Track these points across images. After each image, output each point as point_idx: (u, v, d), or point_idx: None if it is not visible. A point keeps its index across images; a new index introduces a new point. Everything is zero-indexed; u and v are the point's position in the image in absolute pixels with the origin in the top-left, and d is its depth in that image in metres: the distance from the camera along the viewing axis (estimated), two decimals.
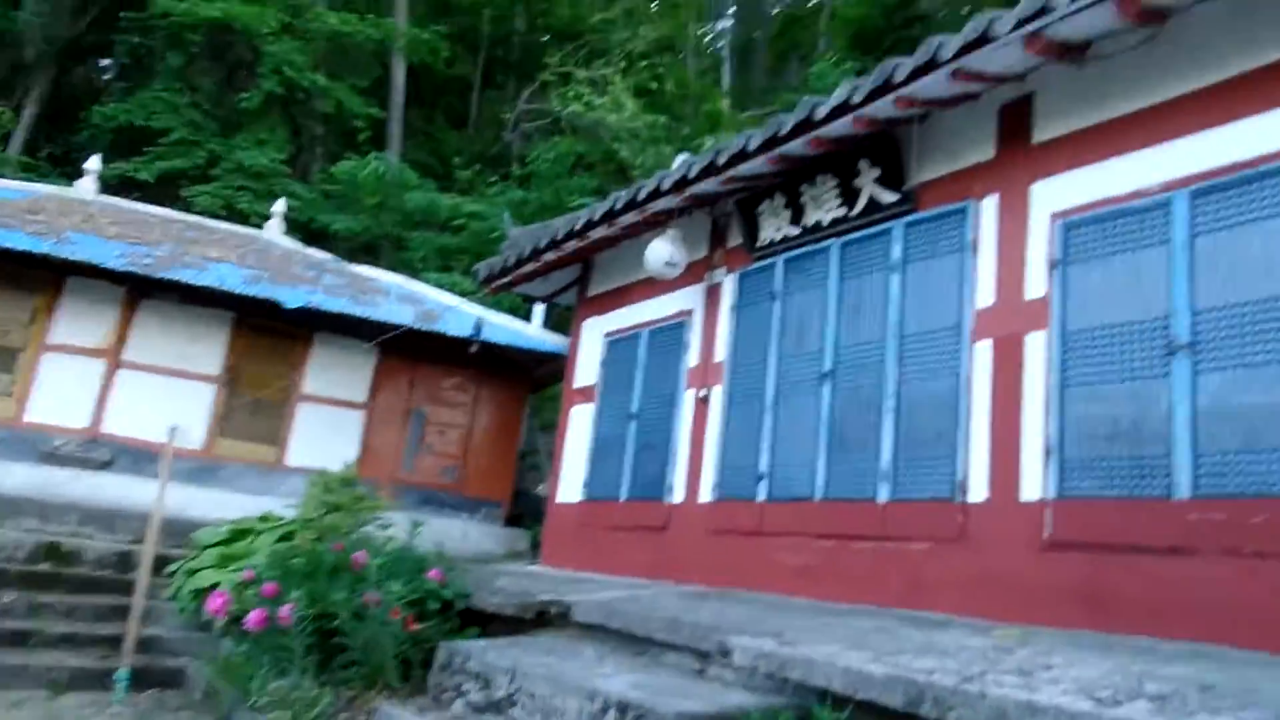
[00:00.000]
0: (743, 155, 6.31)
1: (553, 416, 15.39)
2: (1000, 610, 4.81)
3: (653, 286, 8.35)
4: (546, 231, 9.21)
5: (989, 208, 5.57)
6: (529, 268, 9.03)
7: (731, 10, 38.40)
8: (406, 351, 11.23)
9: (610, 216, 7.63)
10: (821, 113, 5.68)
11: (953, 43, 4.93)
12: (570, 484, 8.80)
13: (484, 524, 11.30)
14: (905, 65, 5.18)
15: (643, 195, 7.21)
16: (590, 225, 7.86)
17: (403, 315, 10.46)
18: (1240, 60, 4.50)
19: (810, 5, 37.98)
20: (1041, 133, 5.38)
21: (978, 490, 5.16)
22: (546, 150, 16.35)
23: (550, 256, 8.65)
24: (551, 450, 11.86)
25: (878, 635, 4.32)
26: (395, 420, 11.47)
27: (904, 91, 5.30)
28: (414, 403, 11.58)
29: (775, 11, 39.34)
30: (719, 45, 37.38)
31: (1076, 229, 5.03)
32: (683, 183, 6.84)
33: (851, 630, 4.45)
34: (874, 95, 5.39)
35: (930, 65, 5.05)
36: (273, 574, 5.79)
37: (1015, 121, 5.54)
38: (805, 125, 5.83)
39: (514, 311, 13.22)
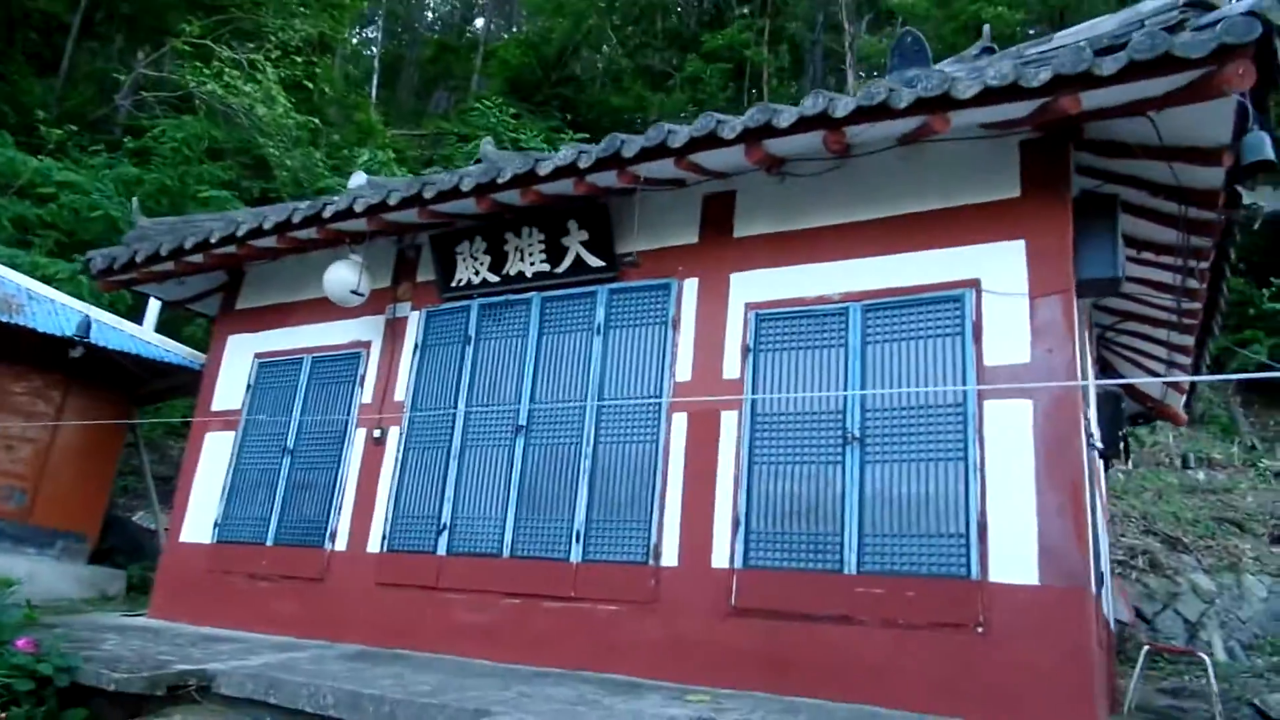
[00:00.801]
0: (455, 193, 6.05)
1: (165, 434, 13.32)
2: (689, 673, 5.11)
3: (321, 311, 7.61)
4: (191, 229, 7.97)
5: (690, 289, 5.98)
6: (163, 267, 7.70)
7: (379, 20, 37.22)
8: None
9: (285, 228, 6.82)
10: (545, 169, 5.67)
11: (683, 133, 5.24)
12: (199, 521, 7.61)
13: (61, 562, 9.30)
14: (635, 143, 5.39)
15: (329, 212, 6.57)
16: (258, 233, 6.94)
17: None
18: (905, 203, 5.40)
19: (465, 38, 38.18)
20: (742, 228, 5.93)
21: (670, 555, 5.46)
22: (174, 128, 14.15)
23: (196, 259, 7.46)
24: (159, 474, 10.22)
25: (585, 709, 4.33)
26: None
27: (632, 168, 5.51)
28: None
29: (430, 35, 38.90)
30: (368, 53, 35.93)
31: (769, 321, 5.62)
32: (381, 207, 6.36)
33: (556, 705, 4.40)
34: (601, 164, 5.52)
35: (661, 150, 5.32)
36: None
37: (718, 213, 6.04)
38: (527, 178, 5.78)
39: (115, 309, 11.20)
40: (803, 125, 4.88)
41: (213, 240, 7.13)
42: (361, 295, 6.81)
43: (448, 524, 6.33)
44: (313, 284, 7.73)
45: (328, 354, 7.48)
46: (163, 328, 10.14)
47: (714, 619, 5.20)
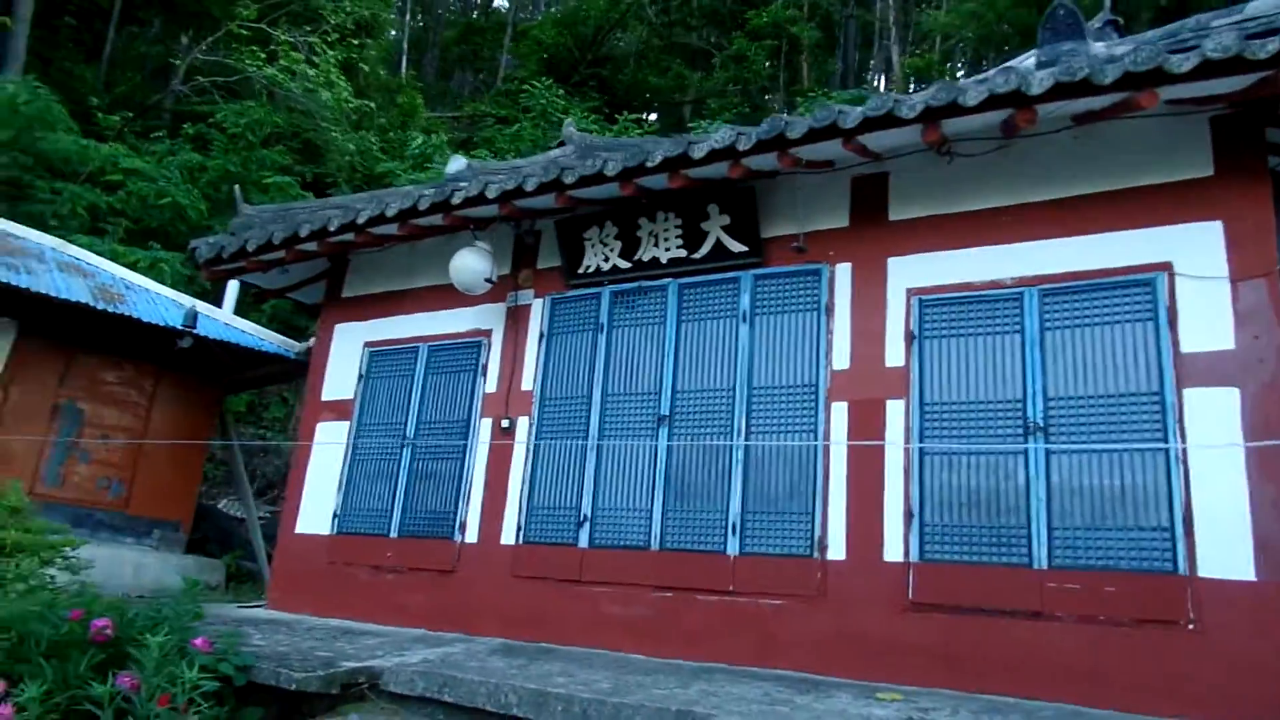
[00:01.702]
0: (599, 178, 5.88)
1: (251, 419, 13.29)
2: (863, 669, 4.99)
3: (435, 299, 7.51)
4: (294, 216, 7.86)
5: (843, 274, 5.80)
6: (273, 255, 7.58)
7: (405, 2, 37.02)
8: (60, 332, 8.85)
9: (411, 214, 6.68)
10: (700, 152, 5.49)
11: (855, 113, 5.05)
12: (315, 512, 7.53)
13: (160, 551, 9.27)
14: (801, 124, 5.20)
15: (458, 198, 6.41)
16: (380, 220, 6.80)
17: (73, 289, 8.21)
18: (1081, 184, 5.19)
19: (489, 18, 37.82)
20: (898, 211, 5.74)
21: (836, 549, 5.32)
22: (236, 113, 14.00)
23: (310, 247, 7.35)
24: (247, 462, 10.17)
25: (784, 708, 4.20)
26: (35, 418, 8.96)
27: (794, 150, 5.33)
28: (65, 396, 9.15)
29: (450, 16, 38.56)
30: (393, 34, 35.73)
31: (933, 307, 5.44)
32: (516, 193, 6.20)
33: (752, 705, 4.27)
34: (762, 146, 5.34)
35: (830, 130, 5.12)
36: None
37: (870, 195, 5.84)
38: (679, 161, 5.60)
39: (201, 295, 11.12)
40: (992, 103, 4.68)
41: (332, 228, 7.00)
42: (490, 281, 6.68)
43: (588, 516, 6.21)
44: (424, 271, 7.65)
45: (445, 343, 7.35)
46: (257, 315, 10.03)
47: (889, 613, 5.06)
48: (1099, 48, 5.73)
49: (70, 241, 10.41)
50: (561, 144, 10.30)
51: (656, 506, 5.97)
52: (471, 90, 35.04)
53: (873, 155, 5.54)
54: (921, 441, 5.24)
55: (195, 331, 8.04)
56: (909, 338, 5.46)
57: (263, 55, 14.87)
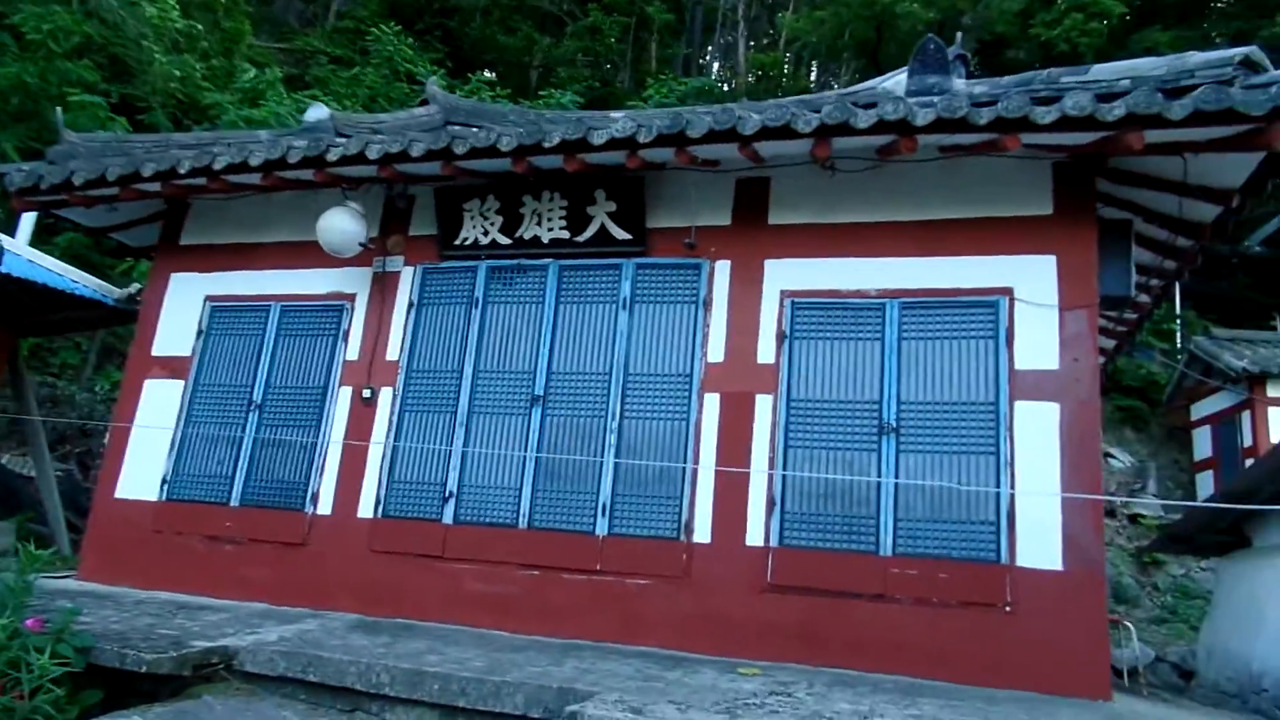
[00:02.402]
0: (492, 151, 5.79)
1: (35, 364, 11.90)
2: (724, 646, 5.31)
3: (291, 255, 7.11)
4: (135, 151, 7.15)
5: (722, 270, 6.06)
6: (103, 191, 6.85)
7: None
8: None
9: (278, 166, 6.26)
10: (600, 139, 5.53)
11: (754, 121, 5.28)
12: (140, 477, 6.93)
13: None
14: (702, 123, 5.37)
15: (334, 155, 6.08)
16: (241, 168, 6.32)
17: None
18: (942, 209, 5.71)
19: None
20: (777, 216, 6.06)
21: (703, 532, 5.60)
22: (39, 18, 12.31)
23: (151, 187, 6.71)
24: (33, 410, 9.18)
25: (658, 683, 4.42)
26: None
27: (693, 149, 5.50)
28: None
29: None
30: None
31: (804, 309, 5.81)
32: (400, 157, 5.97)
33: (627, 681, 4.45)
34: (663, 141, 5.47)
35: (730, 134, 5.33)
36: None
37: (752, 198, 6.13)
38: (578, 145, 5.62)
39: None
40: (881, 128, 5.05)
41: (182, 170, 6.43)
42: (365, 246, 6.40)
43: (454, 492, 6.15)
44: (279, 225, 7.23)
45: (302, 304, 6.97)
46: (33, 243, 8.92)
47: (749, 594, 5.41)
48: (960, 84, 6.28)
49: None
50: (424, 102, 9.95)
51: (526, 485, 6.01)
52: (300, 21, 32.60)
53: (760, 161, 5.81)
54: (788, 435, 5.61)
55: (1, 269, 7.11)
56: (780, 336, 5.81)
57: None
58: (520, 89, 24.86)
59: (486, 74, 19.20)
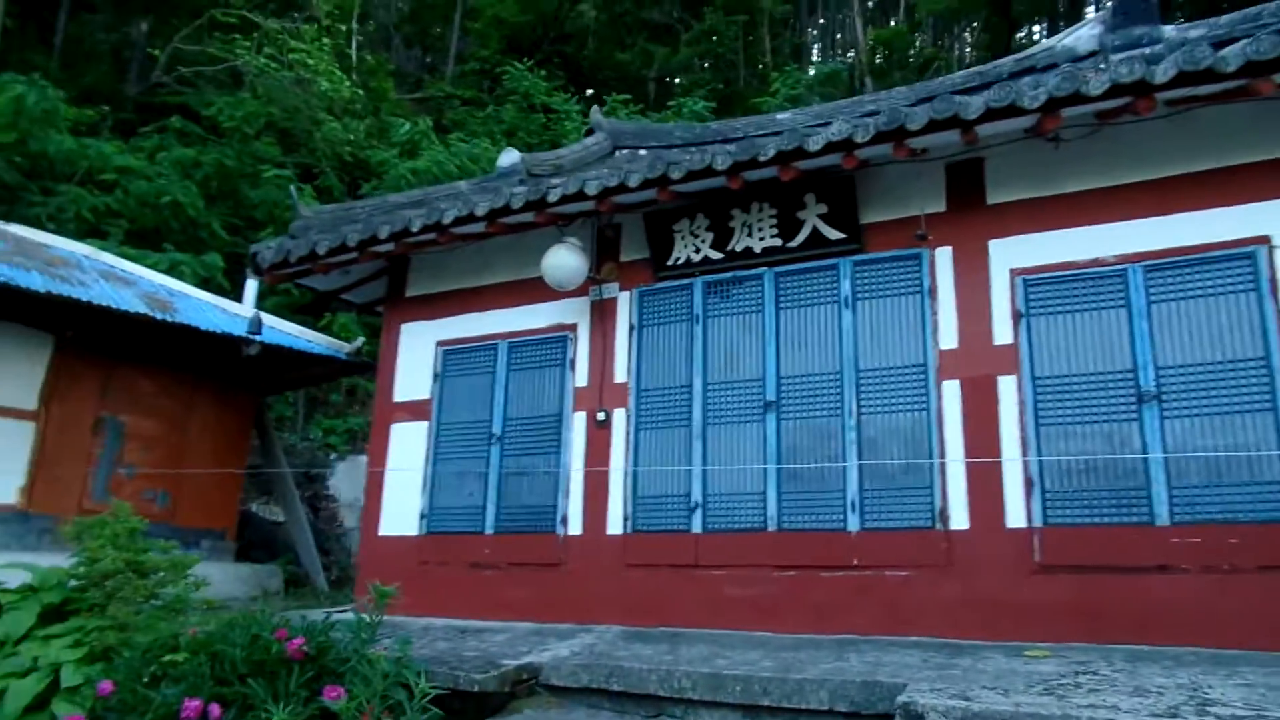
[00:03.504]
0: (708, 172, 6.02)
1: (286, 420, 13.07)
2: (995, 631, 5.29)
3: (509, 295, 7.58)
4: (358, 217, 7.81)
5: (943, 257, 6.05)
6: (343, 258, 7.53)
7: None
8: (99, 345, 8.63)
9: (502, 213, 6.71)
10: (816, 145, 5.67)
11: (976, 104, 5.27)
12: (399, 515, 7.55)
13: (211, 560, 9.11)
14: (920, 115, 5.40)
15: (555, 196, 6.48)
16: (468, 219, 6.82)
17: (124, 299, 8.01)
18: (1176, 165, 5.51)
19: None
20: (995, 195, 6.00)
21: (959, 519, 5.60)
22: (232, 105, 13.61)
23: (387, 248, 7.31)
24: (283, 463, 10.08)
25: (954, 670, 4.46)
26: (79, 434, 8.75)
27: (911, 141, 5.53)
28: (105, 410, 8.95)
29: None
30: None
31: (1038, 285, 5.72)
32: (619, 189, 6.30)
33: (914, 669, 4.51)
34: (880, 138, 5.54)
35: (952, 121, 5.34)
36: (177, 681, 4.15)
37: (966, 180, 6.09)
38: (794, 154, 5.76)
39: (207, 287, 10.90)
40: (1115, 92, 4.95)
41: (414, 229, 6.98)
42: (581, 277, 6.77)
43: (699, 502, 6.39)
44: (495, 268, 7.71)
45: (526, 338, 7.42)
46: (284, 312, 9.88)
47: (1017, 577, 5.37)
48: (1170, 31, 6.04)
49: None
50: (590, 131, 10.35)
51: (771, 489, 6.17)
52: (421, 68, 34.22)
53: (976, 142, 5.76)
54: (1037, 413, 5.54)
55: (260, 339, 7.93)
56: (1016, 316, 5.74)
57: (246, 44, 14.46)
58: (639, 101, 25.32)
59: (607, 93, 19.58)
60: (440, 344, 7.82)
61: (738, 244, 6.62)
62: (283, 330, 8.82)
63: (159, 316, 7.80)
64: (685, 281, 6.86)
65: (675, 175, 6.08)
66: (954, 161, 6.11)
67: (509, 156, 8.47)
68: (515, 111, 20.12)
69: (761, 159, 5.82)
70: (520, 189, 6.70)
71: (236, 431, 9.89)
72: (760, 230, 6.53)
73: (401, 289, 8.21)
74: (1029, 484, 5.47)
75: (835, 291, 6.32)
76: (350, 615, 7.39)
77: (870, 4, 28.17)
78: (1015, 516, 5.47)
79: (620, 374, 6.94)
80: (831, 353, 6.22)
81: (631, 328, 6.99)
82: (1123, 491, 5.25)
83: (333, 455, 13.17)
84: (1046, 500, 5.42)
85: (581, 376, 7.10)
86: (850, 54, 31.16)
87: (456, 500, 7.35)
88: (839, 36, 31.13)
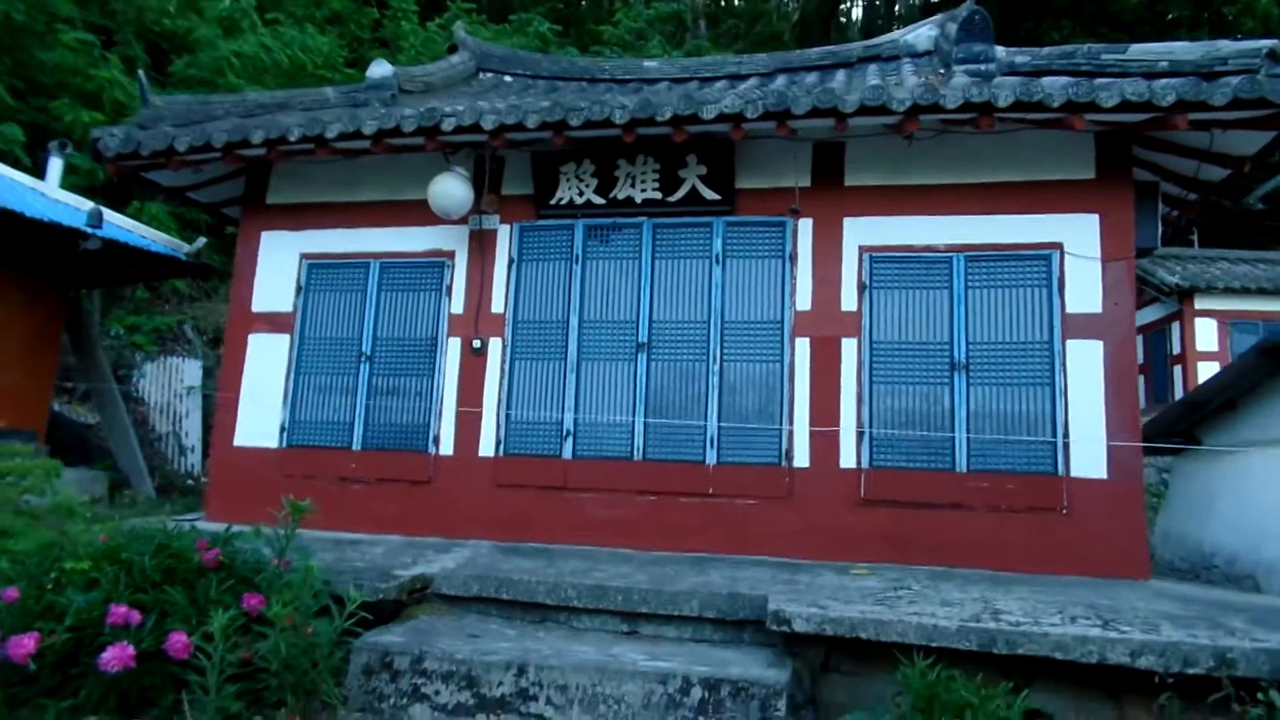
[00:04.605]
0: (605, 124, 6.36)
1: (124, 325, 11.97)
2: (825, 553, 6.30)
3: (384, 214, 7.60)
4: (215, 112, 7.43)
5: (805, 228, 6.83)
6: (203, 157, 7.15)
7: None
8: None
9: (391, 134, 6.69)
10: (710, 113, 6.17)
11: (853, 100, 5.99)
12: (256, 426, 7.46)
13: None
14: (804, 102, 6.05)
15: (449, 125, 6.56)
16: (354, 135, 6.73)
17: None
18: (1000, 173, 6.56)
19: None
20: (852, 178, 6.82)
21: (801, 458, 6.53)
22: None
23: (256, 153, 7.04)
24: (103, 362, 9.49)
25: (800, 584, 5.38)
26: None
27: (793, 123, 6.19)
28: None
29: None
30: None
31: (881, 263, 6.66)
32: (516, 128, 6.50)
33: (768, 583, 5.38)
34: (767, 117, 6.14)
35: (830, 112, 6.03)
36: (85, 589, 4.19)
37: (829, 161, 6.87)
38: (688, 119, 6.24)
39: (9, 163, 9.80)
40: (966, 108, 5.83)
41: (291, 137, 6.79)
42: (464, 208, 6.93)
43: (570, 430, 6.91)
44: (369, 185, 7.67)
45: (401, 260, 7.48)
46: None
47: (845, 509, 6.40)
48: (1001, 52, 7.05)
49: None
50: (453, 48, 10.23)
51: (638, 423, 6.81)
52: None
53: (847, 131, 6.51)
54: (872, 373, 6.52)
55: (100, 233, 7.34)
56: (860, 287, 6.66)
57: None
58: (475, 2, 24.45)
59: (460, 3, 18.85)
60: (305, 256, 7.69)
61: (620, 192, 7.05)
62: (119, 225, 8.17)
63: None
64: (567, 222, 7.21)
65: (574, 122, 6.37)
66: (821, 142, 6.85)
67: (379, 69, 8.24)
68: (346, 2, 18.86)
69: (658, 119, 6.25)
70: (409, 112, 6.69)
71: (45, 325, 9.09)
72: (643, 182, 6.99)
73: (261, 195, 7.91)
74: (860, 432, 6.47)
75: (708, 248, 6.95)
76: (203, 523, 7.34)
77: None
78: (847, 459, 6.47)
79: (498, 305, 7.23)
80: (701, 303, 6.88)
81: (511, 261, 7.28)
82: (933, 442, 6.37)
83: (138, 355, 12.33)
84: (874, 446, 6.44)
85: (458, 304, 7.31)
86: None
87: (322, 415, 7.40)
88: None
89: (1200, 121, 5.79)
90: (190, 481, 10.89)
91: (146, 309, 13.46)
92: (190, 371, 12.51)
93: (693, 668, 4.38)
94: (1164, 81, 5.66)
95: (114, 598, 4.15)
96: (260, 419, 7.49)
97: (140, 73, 7.83)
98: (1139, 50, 6.37)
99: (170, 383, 12.19)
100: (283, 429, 7.44)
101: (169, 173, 7.62)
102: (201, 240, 8.83)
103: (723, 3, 26.37)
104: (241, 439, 7.51)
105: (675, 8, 21.67)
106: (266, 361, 7.58)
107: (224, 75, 14.01)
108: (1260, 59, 5.67)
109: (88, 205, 7.85)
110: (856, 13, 31.88)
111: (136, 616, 4.07)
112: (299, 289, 7.64)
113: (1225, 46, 5.94)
